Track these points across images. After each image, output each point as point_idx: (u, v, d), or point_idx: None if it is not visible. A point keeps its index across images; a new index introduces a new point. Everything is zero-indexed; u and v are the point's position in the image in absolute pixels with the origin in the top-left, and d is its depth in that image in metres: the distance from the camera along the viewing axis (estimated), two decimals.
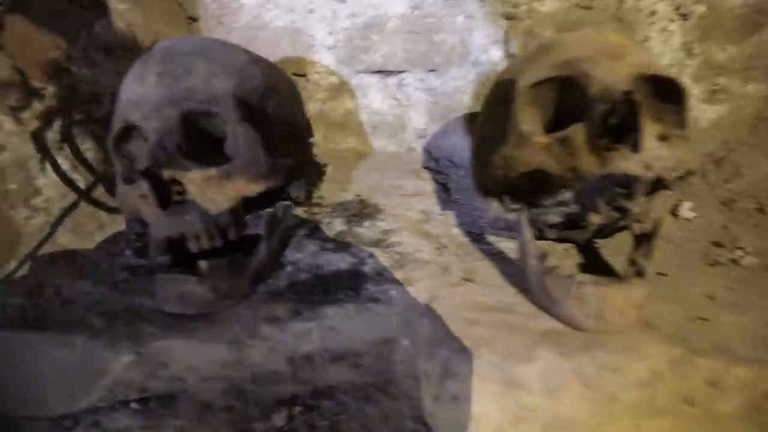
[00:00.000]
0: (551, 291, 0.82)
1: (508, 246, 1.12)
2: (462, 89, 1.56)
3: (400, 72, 1.55)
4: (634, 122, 0.75)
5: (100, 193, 1.19)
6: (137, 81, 0.86)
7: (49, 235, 1.01)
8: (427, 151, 1.62)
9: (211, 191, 0.85)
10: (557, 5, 1.48)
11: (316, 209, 1.22)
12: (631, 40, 0.89)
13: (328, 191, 1.36)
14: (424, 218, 1.22)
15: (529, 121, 0.89)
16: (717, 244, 1.19)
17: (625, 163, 0.76)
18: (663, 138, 0.79)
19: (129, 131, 0.88)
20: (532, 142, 0.85)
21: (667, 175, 0.81)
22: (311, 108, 1.58)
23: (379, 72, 1.56)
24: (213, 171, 0.85)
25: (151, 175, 0.81)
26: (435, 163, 1.59)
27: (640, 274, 0.84)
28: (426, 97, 1.57)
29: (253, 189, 0.89)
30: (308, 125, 1.21)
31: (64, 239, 1.00)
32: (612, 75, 0.79)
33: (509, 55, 1.53)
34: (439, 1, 1.48)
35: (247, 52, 1.00)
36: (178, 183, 0.85)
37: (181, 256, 0.87)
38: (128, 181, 0.90)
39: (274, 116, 0.98)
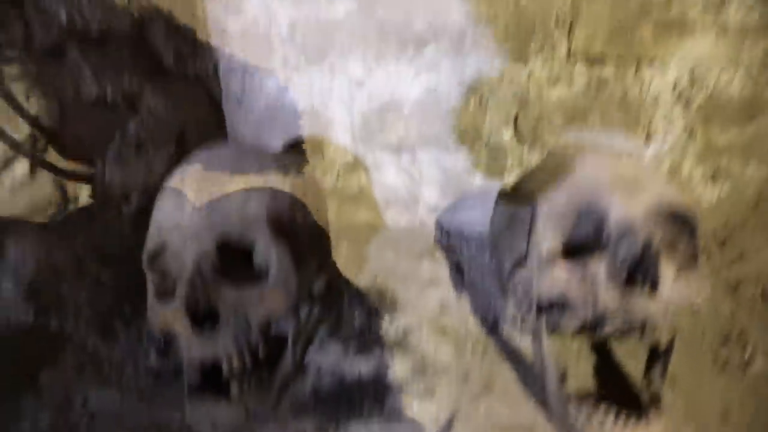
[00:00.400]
0: (573, 420, 0.84)
1: (523, 344, 1.14)
2: (474, 168, 1.61)
3: (414, 150, 1.60)
4: (654, 265, 0.79)
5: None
6: (173, 204, 0.89)
7: None
8: (439, 224, 1.66)
9: (245, 311, 0.88)
10: (565, 93, 1.55)
11: (334, 301, 1.24)
12: (645, 169, 0.94)
13: (343, 273, 1.38)
14: (441, 310, 1.24)
15: (549, 243, 0.93)
16: (726, 339, 1.22)
17: (645, 305, 0.80)
18: (679, 273, 0.84)
19: (164, 248, 0.91)
20: (554, 269, 0.89)
21: (682, 306, 0.85)
22: (326, 183, 1.62)
23: (393, 150, 1.61)
24: (247, 292, 0.88)
25: (187, 300, 0.83)
26: (446, 237, 1.62)
27: (655, 399, 0.87)
28: (439, 174, 1.62)
29: (285, 305, 0.92)
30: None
31: (91, 341, 1.02)
32: (631, 214, 0.83)
33: (517, 135, 1.59)
34: (454, 86, 1.54)
35: (276, 161, 1.04)
36: (212, 302, 0.87)
37: (211, 375, 0.88)
38: (160, 295, 0.93)
39: (301, 224, 1.01)
